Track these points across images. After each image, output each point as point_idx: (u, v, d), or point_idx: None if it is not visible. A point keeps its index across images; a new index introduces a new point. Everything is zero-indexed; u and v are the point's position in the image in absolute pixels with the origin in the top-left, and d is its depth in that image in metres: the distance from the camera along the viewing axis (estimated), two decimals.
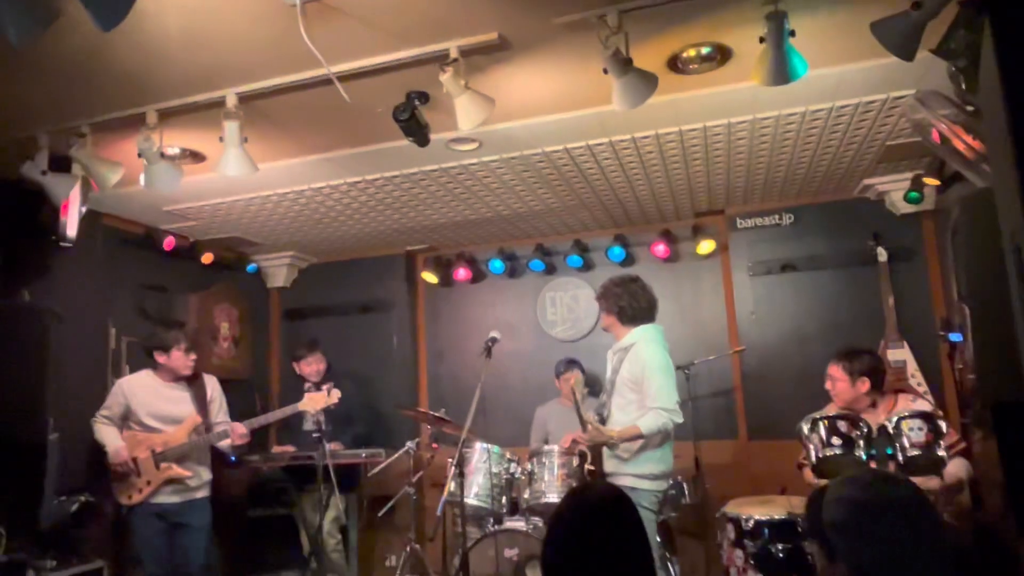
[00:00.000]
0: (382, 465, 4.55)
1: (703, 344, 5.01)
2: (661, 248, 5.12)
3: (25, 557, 3.45)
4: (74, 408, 3.83)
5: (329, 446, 4.24)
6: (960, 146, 2.60)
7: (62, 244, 3.64)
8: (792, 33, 2.42)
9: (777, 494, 3.91)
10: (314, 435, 4.25)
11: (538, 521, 4.00)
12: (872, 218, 4.71)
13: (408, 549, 4.54)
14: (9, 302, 3.59)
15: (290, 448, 4.73)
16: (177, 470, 3.89)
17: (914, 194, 4.31)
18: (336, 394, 4.33)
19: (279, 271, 5.94)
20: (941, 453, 2.74)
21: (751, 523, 3.50)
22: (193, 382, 4.15)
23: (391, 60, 2.71)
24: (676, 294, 5.18)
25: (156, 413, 3.96)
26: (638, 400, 3.45)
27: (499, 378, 5.07)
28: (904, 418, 2.79)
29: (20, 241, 3.73)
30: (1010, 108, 1.31)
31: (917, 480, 1.81)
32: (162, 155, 3.09)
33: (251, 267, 5.76)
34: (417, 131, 2.96)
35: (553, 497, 3.79)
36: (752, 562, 3.45)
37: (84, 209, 3.59)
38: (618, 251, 5.19)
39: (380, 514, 4.61)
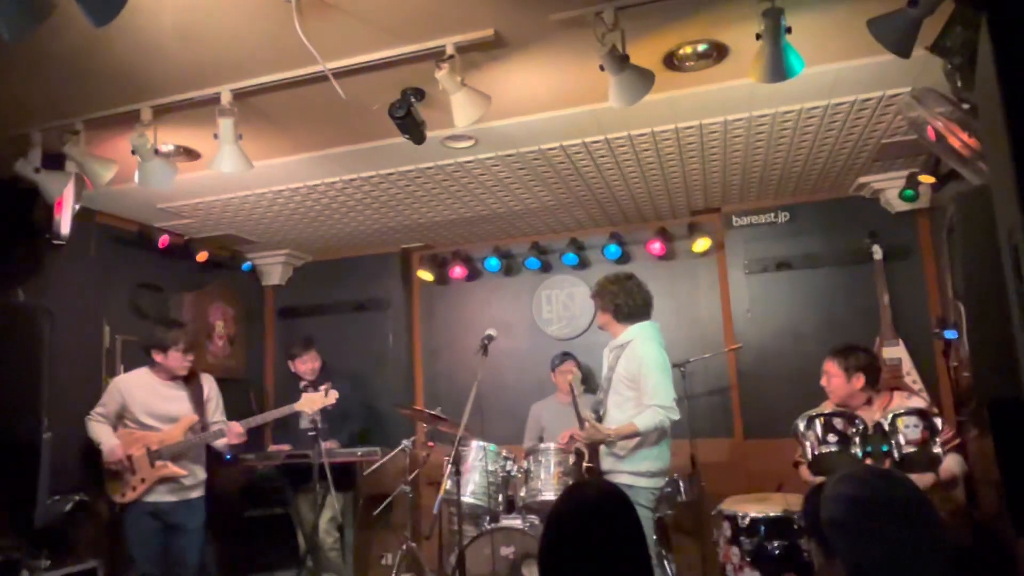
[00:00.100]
0: (378, 464, 4.54)
1: (699, 342, 5.01)
2: (657, 246, 5.12)
3: (19, 557, 3.43)
4: (68, 407, 3.82)
5: (325, 445, 4.23)
6: (956, 143, 2.61)
7: (56, 242, 3.63)
8: (788, 30, 2.42)
9: (773, 492, 3.91)
10: (310, 434, 4.24)
11: (534, 519, 4.00)
12: (868, 216, 4.71)
13: (404, 547, 4.54)
14: (2, 300, 3.57)
15: (286, 447, 4.72)
16: (172, 468, 3.87)
17: (909, 192, 4.32)
18: (333, 395, 4.33)
19: (274, 269, 5.93)
20: (937, 450, 2.75)
21: (747, 520, 3.50)
22: (190, 381, 4.15)
23: (387, 57, 2.70)
24: (672, 292, 5.18)
25: (153, 411, 3.95)
26: (635, 397, 3.45)
27: (495, 376, 5.06)
28: (900, 415, 2.80)
29: (13, 239, 3.71)
30: (1007, 105, 1.31)
31: (912, 477, 1.81)
32: (156, 152, 3.07)
33: (246, 265, 5.74)
34: (413, 128, 2.95)
35: (549, 495, 3.80)
36: (748, 559, 3.45)
37: (78, 207, 3.58)
38: (614, 249, 5.19)
39: (376, 512, 4.61)
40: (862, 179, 4.58)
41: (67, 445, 3.80)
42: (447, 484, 3.67)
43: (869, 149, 4.02)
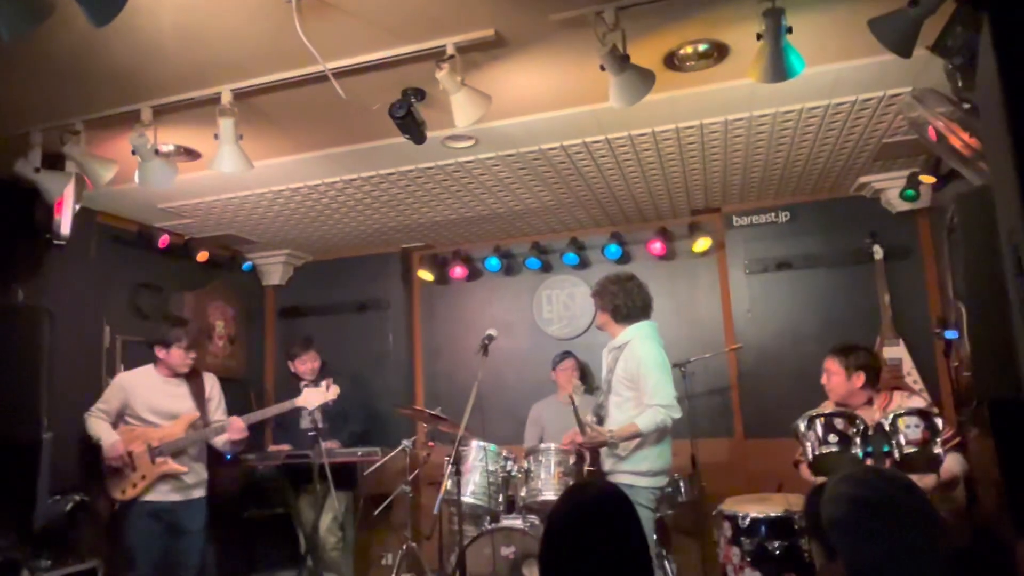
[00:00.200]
0: (378, 464, 4.54)
1: (699, 342, 5.01)
2: (657, 246, 5.12)
3: (19, 557, 3.43)
4: (68, 407, 3.81)
5: (325, 445, 4.23)
6: (957, 143, 2.60)
7: (56, 242, 3.64)
8: (789, 30, 2.42)
9: (774, 492, 3.91)
10: (310, 434, 4.24)
11: (535, 519, 4.00)
12: (868, 216, 4.71)
13: (404, 547, 4.54)
14: (2, 301, 3.57)
15: (286, 447, 4.71)
16: (172, 465, 3.87)
17: (910, 192, 4.31)
18: (335, 390, 4.32)
19: (274, 269, 5.93)
20: (937, 451, 2.74)
21: (748, 521, 3.50)
22: (192, 379, 4.15)
23: (387, 57, 2.70)
24: (672, 292, 5.18)
25: (155, 408, 3.96)
26: (635, 397, 3.45)
27: (495, 376, 5.06)
28: (900, 415, 2.80)
29: (13, 239, 3.71)
30: (1009, 105, 1.31)
31: (912, 477, 1.80)
32: (156, 152, 3.07)
33: (246, 265, 5.74)
34: (413, 128, 2.95)
35: (550, 495, 3.79)
36: (749, 559, 3.45)
37: (78, 207, 3.58)
38: (614, 249, 5.19)
39: (376, 512, 4.61)
40: (863, 179, 4.57)
41: (67, 445, 3.79)
42: (447, 484, 3.67)
43: (870, 149, 4.02)
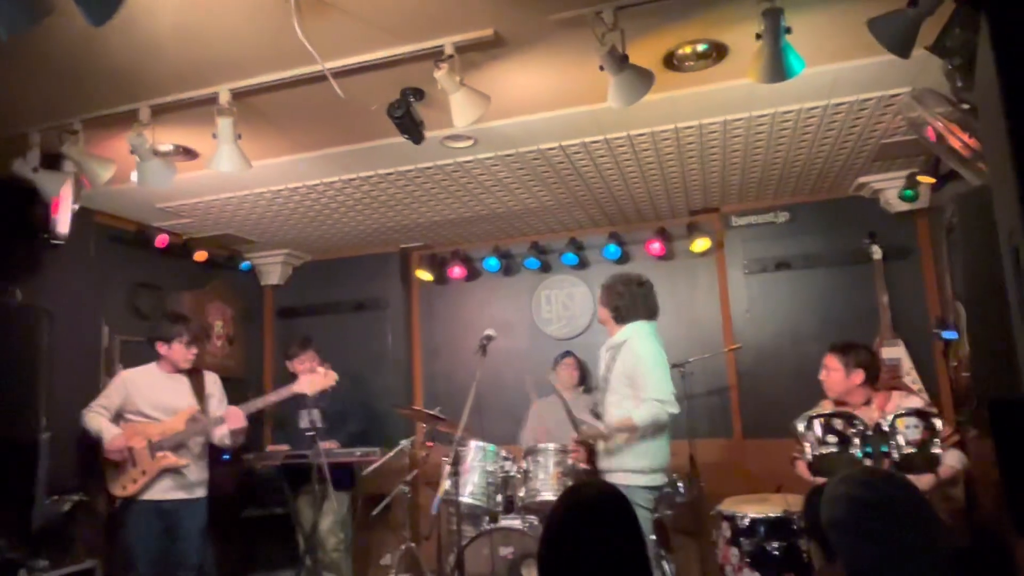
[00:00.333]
0: (377, 464, 4.53)
1: (698, 342, 5.01)
2: (656, 246, 5.12)
3: (17, 557, 3.43)
4: (67, 408, 3.80)
5: (324, 445, 4.22)
6: (955, 144, 2.60)
7: (54, 242, 3.62)
8: (788, 30, 2.42)
9: (773, 492, 3.91)
10: (308, 434, 4.23)
11: (534, 519, 4.00)
12: (867, 216, 4.71)
13: (403, 548, 4.53)
14: (0, 301, 3.56)
15: (284, 447, 4.71)
16: (172, 459, 3.86)
17: (909, 192, 4.32)
18: (333, 375, 4.28)
19: (273, 269, 5.92)
20: (936, 451, 2.75)
21: (747, 521, 3.50)
22: (193, 376, 4.15)
23: (386, 56, 2.70)
24: (671, 292, 5.17)
25: (155, 403, 3.95)
26: (633, 395, 3.45)
27: (494, 376, 5.05)
28: (900, 416, 2.80)
29: (11, 239, 3.70)
30: (1008, 106, 1.31)
31: (911, 478, 1.80)
32: (155, 152, 3.06)
33: (245, 265, 5.73)
34: (412, 128, 2.95)
35: (548, 495, 3.79)
36: (747, 560, 3.45)
37: (76, 206, 3.57)
38: (613, 249, 5.19)
39: (375, 513, 4.60)
40: (861, 179, 4.57)
41: (66, 445, 3.78)
42: (446, 484, 3.67)
43: (869, 149, 4.02)
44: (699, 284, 5.25)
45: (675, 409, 3.37)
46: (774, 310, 4.92)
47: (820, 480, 2.58)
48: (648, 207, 5.01)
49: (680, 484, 4.19)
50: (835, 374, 3.33)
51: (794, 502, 3.45)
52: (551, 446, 3.94)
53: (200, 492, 4.05)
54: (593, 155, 3.89)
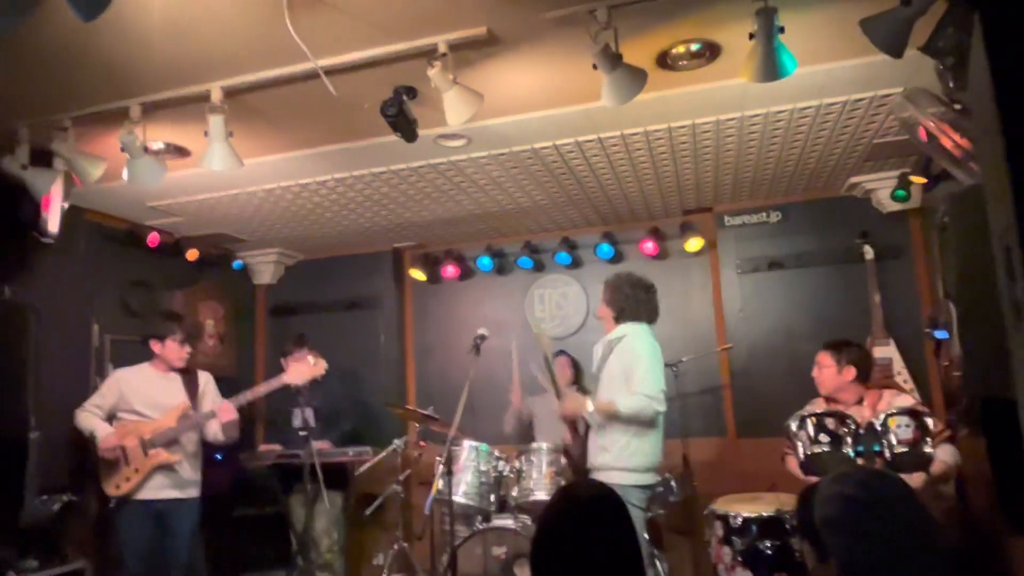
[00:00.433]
0: (369, 463, 4.52)
1: (691, 341, 5.02)
2: (649, 245, 5.12)
3: (6, 557, 3.40)
4: (57, 407, 3.78)
5: (316, 444, 4.20)
6: (947, 144, 2.61)
7: (43, 240, 3.60)
8: (781, 30, 2.42)
9: (766, 491, 3.92)
10: (301, 433, 4.21)
11: (527, 519, 3.99)
12: (859, 216, 4.73)
13: (396, 547, 4.52)
14: None
15: (277, 447, 4.69)
16: (165, 455, 3.84)
17: (901, 192, 4.33)
18: (322, 364, 4.24)
19: (265, 268, 5.90)
20: (928, 450, 2.75)
21: (739, 520, 3.50)
22: (187, 375, 4.12)
23: (379, 54, 2.69)
24: (664, 292, 5.08)
25: (149, 401, 3.93)
26: (626, 389, 3.45)
27: (487, 376, 5.04)
28: (892, 415, 2.80)
29: (0, 237, 3.67)
30: (1001, 105, 1.31)
31: (903, 477, 1.81)
32: (146, 150, 3.04)
33: (237, 264, 5.71)
34: (405, 127, 2.93)
35: (541, 495, 3.79)
36: (740, 559, 3.45)
37: (66, 204, 3.55)
38: (606, 248, 5.19)
39: (368, 512, 4.59)
40: (854, 179, 4.59)
41: (55, 445, 3.76)
42: (439, 484, 3.66)
43: (861, 149, 4.03)
44: (692, 284, 5.26)
45: (662, 407, 3.36)
46: (767, 309, 4.93)
47: (813, 479, 2.58)
48: (641, 206, 5.01)
49: (673, 483, 4.20)
50: (827, 371, 3.35)
51: (787, 501, 3.46)
52: (544, 445, 3.94)
53: (193, 492, 4.02)
54: (586, 154, 3.88)
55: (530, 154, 3.85)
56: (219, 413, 3.97)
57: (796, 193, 4.89)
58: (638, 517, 3.36)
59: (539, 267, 5.56)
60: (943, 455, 2.99)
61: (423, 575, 4.53)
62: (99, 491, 3.87)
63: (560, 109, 3.31)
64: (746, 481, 4.37)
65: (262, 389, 4.19)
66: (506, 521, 4.00)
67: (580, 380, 4.95)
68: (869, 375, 3.38)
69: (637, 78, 2.59)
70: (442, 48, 2.60)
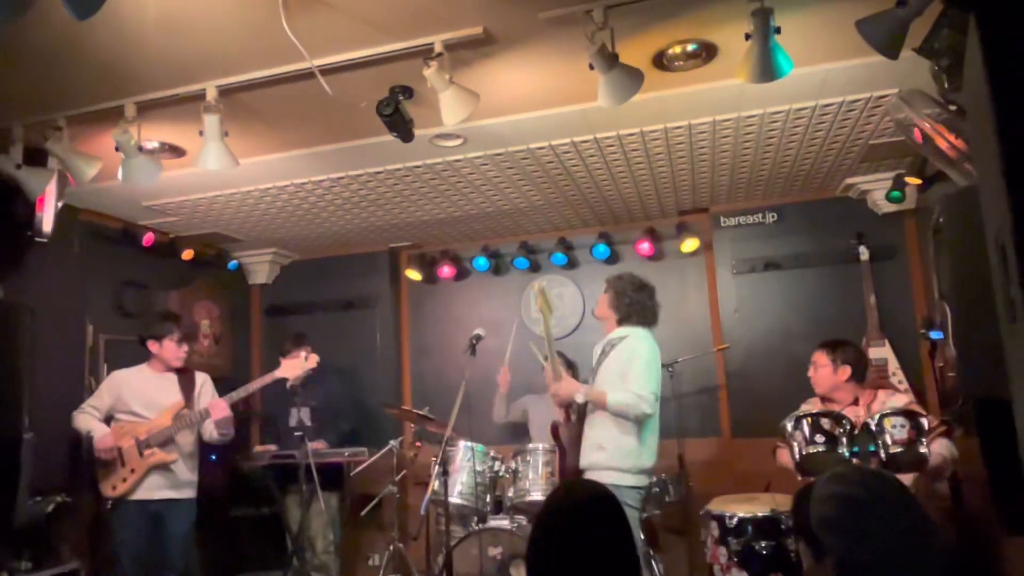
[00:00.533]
0: (365, 464, 4.52)
1: (687, 342, 5.02)
2: (645, 246, 5.12)
3: (0, 558, 3.39)
4: (51, 407, 3.75)
5: (312, 445, 4.19)
6: (943, 145, 2.62)
7: (37, 239, 3.58)
8: (778, 30, 2.42)
9: (761, 491, 3.92)
10: (296, 433, 4.20)
11: (522, 519, 3.99)
12: (854, 217, 4.74)
13: (391, 548, 4.52)
14: None
15: (272, 447, 4.68)
16: (161, 455, 3.83)
17: (896, 193, 4.34)
18: (314, 358, 4.24)
19: (261, 268, 5.89)
20: (923, 450, 2.76)
21: (735, 520, 3.51)
22: (184, 375, 4.11)
23: (375, 54, 2.68)
24: (660, 292, 5.07)
25: (146, 401, 3.93)
26: (621, 387, 3.46)
27: (483, 376, 5.04)
28: (887, 415, 2.81)
29: None
30: (995, 105, 1.31)
31: (899, 477, 1.81)
32: (140, 149, 3.03)
33: (232, 264, 5.69)
34: (401, 126, 2.93)
35: (537, 495, 3.79)
36: (736, 559, 3.46)
37: (60, 204, 3.54)
38: (603, 249, 5.19)
39: (363, 513, 4.59)
40: (849, 180, 4.60)
41: (49, 446, 3.73)
42: (435, 484, 3.66)
43: (857, 150, 4.04)
44: (688, 284, 5.26)
45: (649, 409, 3.34)
46: (762, 310, 4.94)
47: (808, 478, 2.59)
48: (637, 207, 5.02)
49: (669, 483, 4.21)
50: (823, 370, 3.36)
51: (782, 501, 3.46)
52: (540, 446, 3.94)
53: (189, 492, 4.02)
54: (583, 154, 3.88)
55: (526, 154, 3.84)
56: (212, 410, 3.96)
57: (792, 194, 4.90)
58: (633, 517, 3.37)
59: (535, 267, 5.56)
60: (939, 449, 2.99)
61: (419, 575, 4.53)
62: (94, 492, 3.86)
63: (556, 109, 3.31)
64: (742, 481, 4.38)
65: (255, 385, 4.19)
66: (502, 522, 4.00)
67: (574, 378, 4.95)
68: (865, 375, 3.39)
69: (633, 78, 2.58)
70: (438, 48, 2.59)
